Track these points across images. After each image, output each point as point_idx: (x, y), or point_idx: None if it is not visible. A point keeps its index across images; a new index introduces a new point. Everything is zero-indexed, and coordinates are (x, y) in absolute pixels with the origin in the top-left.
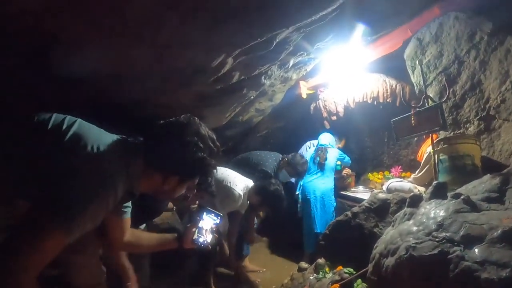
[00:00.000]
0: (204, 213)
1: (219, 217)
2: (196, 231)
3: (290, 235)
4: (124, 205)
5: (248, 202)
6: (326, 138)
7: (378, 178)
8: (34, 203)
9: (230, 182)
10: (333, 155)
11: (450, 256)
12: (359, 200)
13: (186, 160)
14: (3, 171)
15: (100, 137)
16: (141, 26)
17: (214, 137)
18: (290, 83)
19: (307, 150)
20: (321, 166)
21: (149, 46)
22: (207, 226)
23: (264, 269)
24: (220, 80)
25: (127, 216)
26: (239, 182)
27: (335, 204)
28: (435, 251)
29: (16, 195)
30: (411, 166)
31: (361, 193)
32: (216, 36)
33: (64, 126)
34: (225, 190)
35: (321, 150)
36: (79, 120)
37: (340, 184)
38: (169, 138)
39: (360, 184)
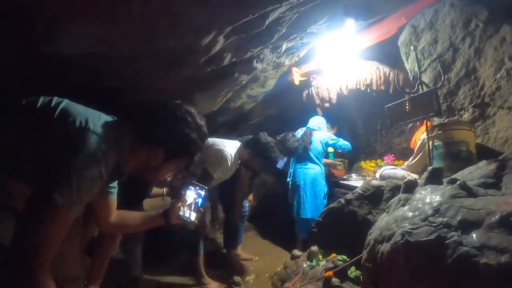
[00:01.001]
0: (189, 187)
1: (204, 190)
2: (181, 207)
3: (281, 223)
4: (110, 185)
5: (240, 161)
6: (313, 121)
7: (371, 166)
8: (33, 183)
9: (218, 145)
10: (319, 138)
11: (447, 241)
12: (352, 188)
13: (174, 134)
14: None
15: (88, 114)
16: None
17: (203, 122)
18: (282, 69)
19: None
20: (306, 151)
21: (137, 22)
22: (193, 200)
23: (257, 257)
24: (211, 61)
25: (114, 197)
26: (228, 144)
27: (326, 189)
28: (432, 236)
29: (13, 177)
30: (403, 154)
31: (354, 180)
32: (207, 10)
33: (52, 104)
34: (216, 153)
35: (305, 135)
36: (66, 99)
37: (331, 171)
38: (158, 113)
39: (352, 172)
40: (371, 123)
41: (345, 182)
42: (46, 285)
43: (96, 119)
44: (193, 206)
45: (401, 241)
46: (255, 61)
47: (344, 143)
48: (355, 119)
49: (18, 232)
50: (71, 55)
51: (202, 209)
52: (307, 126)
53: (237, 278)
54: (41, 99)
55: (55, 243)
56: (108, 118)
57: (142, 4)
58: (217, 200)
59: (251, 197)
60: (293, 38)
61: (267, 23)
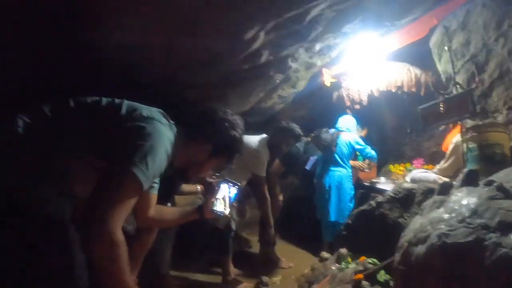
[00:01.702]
0: (222, 183)
1: (236, 187)
2: (215, 201)
3: (306, 225)
4: (154, 180)
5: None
6: (342, 121)
7: (400, 170)
8: (111, 162)
9: (250, 144)
10: (346, 140)
11: (486, 242)
12: (380, 191)
13: (221, 132)
14: (78, 140)
15: (147, 108)
16: None
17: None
18: (313, 70)
19: None
20: (332, 153)
21: (180, 13)
22: (226, 195)
23: (292, 264)
24: (248, 58)
25: (155, 192)
26: (254, 138)
27: (352, 192)
28: (470, 238)
29: (92, 156)
30: (433, 158)
31: (383, 184)
32: (252, 5)
33: (116, 103)
34: (245, 149)
35: (332, 134)
36: (123, 99)
37: (360, 174)
38: (208, 114)
39: (381, 175)
40: (401, 126)
41: (374, 185)
42: (120, 243)
43: (156, 113)
44: (226, 201)
45: (437, 243)
46: (289, 60)
47: (370, 152)
48: (385, 122)
49: (96, 194)
50: (114, 46)
51: (234, 204)
52: (336, 126)
53: (265, 278)
54: (103, 99)
55: (127, 209)
56: (162, 111)
57: None
58: (245, 196)
59: (280, 197)
60: (327, 38)
61: (307, 19)
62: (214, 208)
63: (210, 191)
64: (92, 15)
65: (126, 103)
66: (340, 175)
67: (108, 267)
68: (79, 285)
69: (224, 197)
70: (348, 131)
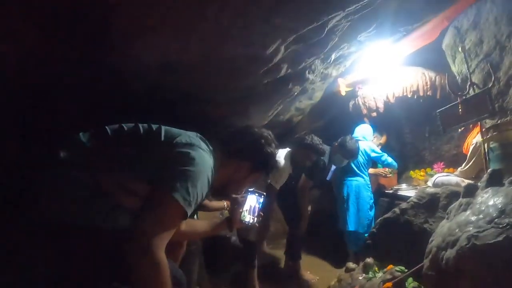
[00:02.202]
0: (249, 194)
1: (262, 196)
2: (243, 212)
3: (328, 237)
4: None
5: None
6: (359, 130)
7: (421, 175)
8: (155, 189)
9: None
10: (362, 149)
11: None
12: (403, 198)
13: (259, 150)
14: (121, 167)
15: (185, 133)
16: (204, 3)
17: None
18: (329, 80)
19: None
20: (349, 162)
21: (210, 26)
22: (252, 206)
23: (318, 278)
24: (269, 72)
25: None
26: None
27: (372, 201)
28: (500, 238)
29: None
30: (453, 161)
31: (405, 190)
32: (278, 18)
33: (154, 129)
34: None
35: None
36: (159, 125)
37: (381, 181)
38: (245, 133)
39: (401, 182)
40: (419, 131)
41: (396, 192)
42: (163, 263)
43: (195, 138)
44: (253, 211)
45: (467, 246)
46: (307, 72)
47: (388, 160)
48: (402, 127)
49: (142, 219)
50: (137, 66)
51: (261, 214)
52: (352, 135)
53: None
54: (140, 125)
55: (170, 233)
56: (199, 135)
57: (219, 8)
58: (269, 210)
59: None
60: (342, 47)
61: (326, 30)
62: (243, 219)
63: (238, 202)
64: (119, 36)
65: (164, 129)
66: (358, 184)
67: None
68: None
69: (251, 208)
70: (364, 139)
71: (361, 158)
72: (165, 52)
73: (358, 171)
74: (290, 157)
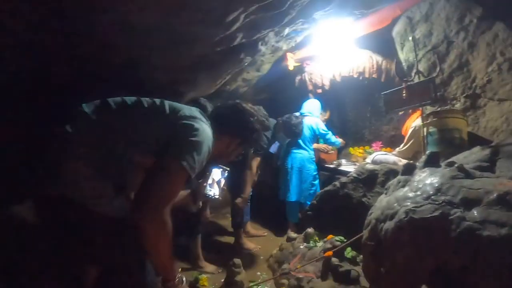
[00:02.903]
0: (213, 168)
1: (226, 171)
2: (207, 186)
3: (271, 208)
4: None
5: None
6: (306, 106)
7: (359, 153)
8: (162, 156)
9: None
10: (309, 124)
11: (451, 217)
12: (342, 173)
13: (250, 129)
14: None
15: (188, 107)
16: None
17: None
18: (278, 54)
19: None
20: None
21: None
22: (216, 180)
23: (265, 233)
24: (223, 40)
25: None
26: None
27: (315, 173)
28: (436, 213)
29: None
30: (391, 142)
31: (345, 166)
32: None
33: (158, 103)
34: None
35: (296, 117)
36: (161, 99)
37: (322, 157)
38: (237, 111)
39: (341, 157)
40: (361, 110)
41: (335, 167)
42: (168, 222)
43: (196, 112)
44: (216, 185)
45: (405, 219)
46: (260, 43)
47: (333, 139)
48: (345, 106)
49: (150, 183)
50: (92, 25)
51: (224, 187)
52: (300, 111)
53: (236, 260)
54: (143, 101)
55: (176, 195)
56: (198, 110)
57: None
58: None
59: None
60: (297, 23)
61: (287, 4)
62: (206, 192)
63: (202, 176)
64: None
65: (167, 104)
66: (302, 157)
67: (158, 244)
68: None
69: (215, 182)
70: (310, 115)
71: (308, 133)
72: (121, 12)
73: (303, 145)
74: None
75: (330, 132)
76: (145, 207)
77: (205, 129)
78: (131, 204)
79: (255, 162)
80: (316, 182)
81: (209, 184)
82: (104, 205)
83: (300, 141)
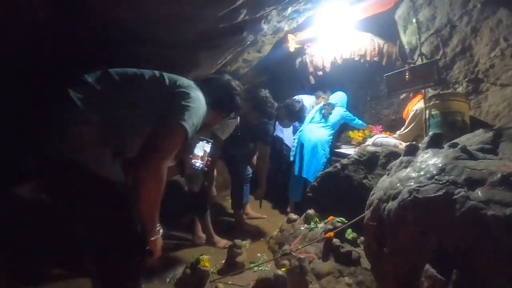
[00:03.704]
0: (198, 141)
1: (210, 143)
2: (192, 158)
3: (273, 189)
4: None
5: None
6: (335, 97)
7: (359, 136)
8: (163, 118)
9: None
10: (338, 113)
11: (455, 196)
12: (343, 156)
13: (234, 102)
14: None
15: (184, 79)
16: None
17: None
18: (279, 35)
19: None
20: (325, 118)
21: None
22: (201, 152)
23: (265, 216)
24: (226, 16)
25: None
26: None
27: (328, 156)
28: (440, 192)
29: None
30: (391, 126)
31: (345, 149)
32: None
33: (157, 75)
34: None
35: (328, 105)
36: (160, 71)
37: None
38: (221, 85)
39: (341, 140)
40: (361, 94)
41: (336, 150)
42: (165, 175)
43: (193, 82)
44: (202, 157)
45: (409, 198)
46: (263, 21)
47: (359, 121)
48: (346, 89)
49: (154, 142)
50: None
51: (209, 159)
52: (329, 101)
53: (237, 241)
54: (144, 72)
55: (174, 151)
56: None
57: None
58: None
59: (254, 159)
60: (300, 2)
61: None
62: (193, 163)
63: (188, 148)
64: None
65: (166, 75)
66: (321, 136)
67: (153, 193)
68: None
69: (200, 153)
70: (341, 106)
71: (336, 119)
72: None
73: (329, 127)
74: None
75: (356, 118)
76: (149, 159)
77: (200, 98)
78: (135, 157)
79: (266, 152)
80: (327, 166)
81: (195, 155)
82: (104, 168)
83: (328, 123)
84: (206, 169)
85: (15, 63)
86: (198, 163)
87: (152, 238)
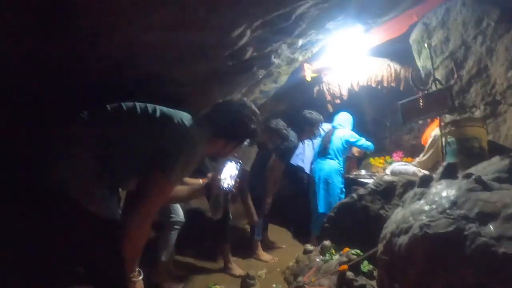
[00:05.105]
0: (227, 161)
1: (238, 164)
2: (221, 179)
3: (291, 220)
4: None
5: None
6: (337, 118)
7: (380, 163)
8: (150, 167)
9: None
10: (340, 136)
11: (466, 232)
12: (362, 184)
13: (244, 132)
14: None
15: (179, 114)
16: None
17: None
18: (295, 65)
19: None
20: (326, 148)
21: (173, 9)
22: (229, 173)
23: (284, 246)
24: (233, 55)
25: None
26: None
27: (342, 186)
28: (451, 228)
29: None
30: (412, 151)
31: (364, 176)
32: (244, 3)
33: (150, 111)
34: None
35: (328, 133)
36: (155, 105)
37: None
38: (230, 114)
39: (361, 168)
40: (380, 120)
41: (355, 178)
42: (149, 229)
43: (186, 118)
44: (230, 178)
45: (419, 233)
46: (273, 56)
47: (366, 143)
48: (365, 116)
49: (139, 196)
50: (99, 47)
51: (238, 180)
52: (332, 124)
53: (251, 272)
54: (138, 105)
55: (160, 204)
56: (190, 115)
57: None
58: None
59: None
60: (310, 34)
61: (293, 17)
62: (220, 184)
63: (216, 169)
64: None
65: (158, 109)
66: (330, 168)
67: (136, 245)
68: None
69: (228, 175)
70: (341, 127)
71: (338, 144)
72: (126, 32)
73: (334, 156)
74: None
75: (363, 139)
76: (133, 208)
77: (192, 138)
78: (122, 212)
79: (278, 167)
80: (343, 195)
81: (224, 177)
82: (96, 203)
83: (331, 152)
84: (234, 190)
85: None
86: (226, 184)
87: (133, 279)
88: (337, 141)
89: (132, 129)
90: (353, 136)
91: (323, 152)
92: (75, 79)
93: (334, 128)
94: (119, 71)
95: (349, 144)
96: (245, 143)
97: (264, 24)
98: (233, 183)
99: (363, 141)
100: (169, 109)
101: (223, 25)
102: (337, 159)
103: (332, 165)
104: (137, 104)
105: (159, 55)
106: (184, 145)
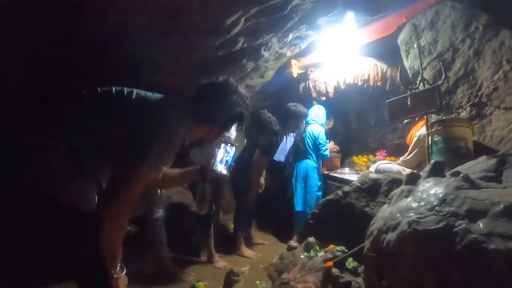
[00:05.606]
0: (220, 145)
1: (233, 147)
2: (215, 162)
3: (276, 215)
4: None
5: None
6: (312, 112)
7: (363, 161)
8: (125, 157)
9: None
10: (312, 131)
11: (455, 229)
12: (345, 181)
13: (229, 115)
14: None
15: (157, 97)
16: None
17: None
18: (282, 60)
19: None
20: (299, 146)
21: None
22: (224, 156)
23: (267, 242)
24: (224, 45)
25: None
26: None
27: (319, 183)
28: (440, 225)
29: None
30: (396, 150)
31: (348, 174)
32: None
33: (126, 93)
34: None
35: (299, 132)
36: (133, 89)
37: (326, 165)
38: (214, 97)
39: (345, 166)
40: (365, 119)
41: (338, 175)
42: (126, 223)
43: (165, 102)
44: (224, 162)
45: (408, 230)
46: (263, 48)
47: (325, 152)
48: (349, 114)
49: (112, 188)
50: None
51: (233, 164)
52: (306, 118)
53: (235, 269)
54: (113, 89)
55: (136, 196)
56: (171, 100)
57: None
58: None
59: (262, 181)
60: (301, 29)
61: (288, 8)
62: (214, 168)
63: (210, 152)
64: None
65: (135, 93)
66: (306, 166)
67: (114, 240)
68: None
69: (223, 159)
70: (315, 122)
71: (310, 141)
72: (119, 14)
73: (306, 153)
74: (244, 131)
75: (326, 145)
76: (107, 202)
77: (169, 122)
78: (97, 206)
79: (262, 163)
80: (320, 193)
81: (218, 161)
82: (71, 198)
83: (304, 150)
84: (228, 174)
85: None
86: (220, 168)
87: (114, 276)
88: (308, 138)
89: (105, 114)
90: (321, 138)
91: (297, 150)
92: (57, 64)
93: (307, 123)
94: (106, 56)
95: (317, 143)
96: (232, 129)
97: (260, 12)
98: (228, 168)
99: (324, 148)
100: (148, 92)
101: (221, 7)
102: (312, 156)
103: (307, 163)
104: (114, 88)
105: (150, 40)
106: (160, 131)
